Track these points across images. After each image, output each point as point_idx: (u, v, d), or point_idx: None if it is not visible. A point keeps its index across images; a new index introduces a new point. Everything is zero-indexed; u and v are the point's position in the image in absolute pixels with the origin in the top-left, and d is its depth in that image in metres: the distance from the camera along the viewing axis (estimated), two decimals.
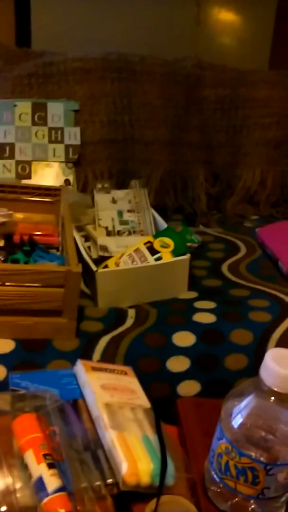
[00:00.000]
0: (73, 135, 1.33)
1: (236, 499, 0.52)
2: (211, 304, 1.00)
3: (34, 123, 1.32)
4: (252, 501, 0.52)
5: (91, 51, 1.40)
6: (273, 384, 0.48)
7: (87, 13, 1.77)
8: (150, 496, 0.54)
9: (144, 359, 0.87)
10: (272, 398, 0.49)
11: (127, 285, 0.99)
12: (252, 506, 0.52)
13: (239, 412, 0.50)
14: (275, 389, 0.48)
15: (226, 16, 1.99)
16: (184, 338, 0.91)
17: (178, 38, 1.85)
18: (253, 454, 0.50)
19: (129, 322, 0.94)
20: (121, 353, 0.87)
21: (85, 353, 0.86)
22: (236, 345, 0.90)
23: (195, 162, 1.48)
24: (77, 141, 1.33)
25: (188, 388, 0.87)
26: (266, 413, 0.50)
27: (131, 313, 0.97)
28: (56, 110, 1.32)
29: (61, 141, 1.32)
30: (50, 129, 1.32)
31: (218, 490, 0.54)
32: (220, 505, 0.54)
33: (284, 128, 1.52)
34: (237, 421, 0.50)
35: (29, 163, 1.30)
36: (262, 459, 0.50)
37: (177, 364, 0.88)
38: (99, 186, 1.26)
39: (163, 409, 0.70)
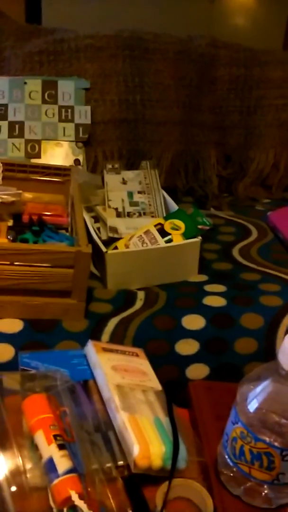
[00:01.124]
0: (83, 114, 1.31)
1: (250, 484, 0.52)
2: (221, 288, 0.99)
3: (44, 101, 1.29)
4: (266, 486, 0.51)
5: (103, 29, 1.37)
6: None
7: None
8: (161, 479, 0.53)
9: (153, 342, 0.86)
10: None
11: (137, 267, 0.98)
12: (266, 491, 0.52)
13: (255, 397, 0.49)
14: None
15: None
16: (193, 321, 0.90)
17: (191, 17, 1.81)
18: (268, 439, 0.49)
19: (138, 304, 0.94)
20: (130, 335, 0.86)
21: (94, 335, 0.85)
22: (246, 329, 0.90)
23: (207, 143, 1.46)
24: (88, 120, 1.31)
25: (197, 372, 0.87)
26: (283, 398, 0.49)
27: (141, 295, 0.96)
28: (67, 88, 1.30)
29: (71, 120, 1.30)
30: (60, 107, 1.30)
31: (231, 475, 0.53)
32: (233, 490, 0.53)
33: None
34: (253, 405, 0.49)
35: (38, 142, 1.29)
36: (277, 444, 0.49)
37: (186, 347, 0.87)
38: (109, 166, 1.24)
39: (173, 391, 0.70)
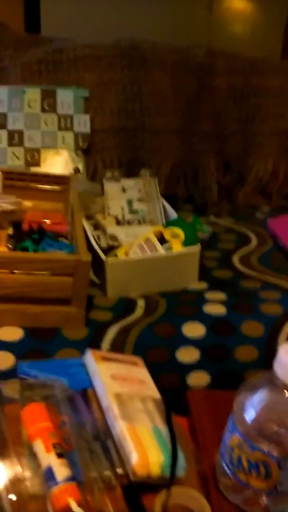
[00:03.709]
0: (82, 123, 1.32)
1: (248, 492, 0.52)
2: (221, 296, 0.99)
3: (43, 110, 1.30)
4: (263, 495, 0.51)
5: (102, 38, 1.38)
6: (287, 379, 0.47)
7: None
8: (160, 488, 0.53)
9: (154, 350, 0.86)
10: (286, 392, 0.48)
11: (137, 275, 0.99)
12: (264, 500, 0.52)
13: (252, 406, 0.50)
14: None
15: (238, 4, 1.96)
16: (194, 329, 0.90)
17: (190, 26, 1.83)
18: (265, 448, 0.49)
19: (139, 312, 0.94)
20: (130, 343, 0.86)
21: (94, 343, 0.85)
22: (247, 337, 0.90)
23: (206, 152, 1.47)
24: (87, 129, 1.32)
25: (198, 379, 0.86)
26: (279, 408, 0.49)
27: (141, 303, 0.97)
28: (66, 97, 1.31)
29: (71, 129, 1.31)
30: (60, 116, 1.31)
31: (230, 483, 0.53)
32: (232, 498, 0.53)
33: None
34: (250, 414, 0.50)
35: (38, 150, 1.29)
36: (275, 453, 0.49)
37: (187, 355, 0.87)
38: (109, 174, 1.25)
39: (173, 400, 0.70)
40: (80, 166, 1.31)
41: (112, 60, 1.36)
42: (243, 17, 1.98)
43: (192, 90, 1.44)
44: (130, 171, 1.36)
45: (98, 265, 1.01)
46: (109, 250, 1.06)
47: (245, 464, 0.50)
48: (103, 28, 1.61)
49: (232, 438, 0.51)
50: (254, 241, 1.26)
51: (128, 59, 1.36)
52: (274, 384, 0.48)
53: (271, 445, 0.49)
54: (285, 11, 1.98)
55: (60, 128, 1.31)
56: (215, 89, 1.46)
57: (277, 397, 0.48)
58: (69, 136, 1.31)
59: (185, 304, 0.96)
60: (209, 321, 0.92)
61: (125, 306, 0.95)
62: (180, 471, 0.55)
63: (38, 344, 0.84)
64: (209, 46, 1.49)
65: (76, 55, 1.34)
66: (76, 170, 1.31)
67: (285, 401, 0.48)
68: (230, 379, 0.87)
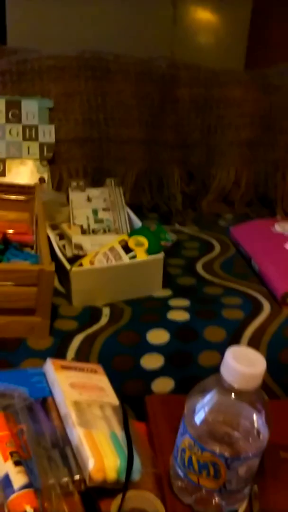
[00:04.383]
0: (47, 133, 1.33)
1: (200, 493, 0.54)
2: (185, 302, 1.01)
3: (8, 121, 1.31)
4: (215, 494, 0.53)
5: (66, 49, 1.40)
6: (233, 381, 0.49)
7: (63, 11, 1.76)
8: (117, 492, 0.54)
9: (119, 357, 0.87)
10: (233, 394, 0.50)
11: (102, 284, 0.99)
12: (216, 499, 0.53)
13: (202, 408, 0.51)
14: (235, 386, 0.49)
15: (202, 16, 2.00)
16: (158, 336, 0.91)
17: (154, 38, 1.86)
18: (216, 449, 0.51)
19: (104, 320, 0.95)
20: (95, 351, 0.87)
21: (59, 352, 0.86)
22: (209, 342, 0.91)
23: (171, 161, 1.49)
24: (52, 139, 1.33)
25: (163, 385, 0.88)
26: (227, 409, 0.51)
27: (106, 311, 0.97)
28: (30, 108, 1.32)
29: (36, 139, 1.32)
30: (24, 126, 1.32)
31: (183, 485, 0.55)
32: (185, 499, 0.55)
33: (257, 128, 1.53)
34: (199, 417, 0.51)
35: (3, 160, 1.30)
36: (226, 454, 0.51)
37: (151, 361, 0.88)
38: (74, 184, 1.26)
39: (135, 405, 0.71)
40: (45, 176, 1.32)
41: (76, 71, 1.37)
42: (207, 29, 2.02)
43: (155, 101, 1.46)
44: (96, 181, 1.37)
45: (63, 274, 1.01)
46: (75, 259, 1.06)
47: (195, 465, 0.52)
48: (69, 39, 1.63)
49: (183, 440, 0.53)
50: (217, 248, 1.28)
51: (92, 70, 1.38)
52: (221, 386, 0.50)
53: (220, 446, 0.51)
54: (247, 22, 2.02)
55: (25, 138, 1.31)
56: (178, 100, 1.48)
57: (225, 399, 0.50)
58: (34, 146, 1.32)
59: (150, 312, 0.97)
60: (173, 328, 0.93)
61: (90, 314, 0.96)
62: (136, 475, 0.56)
63: (2, 355, 0.84)
64: (172, 57, 1.51)
65: (40, 66, 1.35)
66: (42, 180, 1.31)
67: (232, 403, 0.50)
68: (194, 384, 0.88)
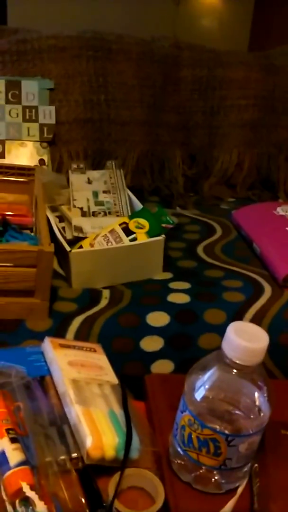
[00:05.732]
0: (48, 114, 1.31)
1: (200, 471, 0.53)
2: (185, 285, 1.00)
3: (7, 101, 1.29)
4: (215, 472, 0.52)
5: (67, 29, 1.38)
6: (235, 357, 0.48)
7: None
8: (115, 470, 0.54)
9: (118, 339, 0.87)
10: (234, 370, 0.49)
11: (102, 266, 0.99)
12: (216, 477, 0.53)
13: (202, 385, 0.51)
14: (237, 362, 0.48)
15: None
16: (158, 318, 0.91)
17: (157, 18, 1.83)
18: (216, 427, 0.50)
19: (103, 302, 0.94)
20: (95, 333, 0.87)
21: (58, 333, 0.85)
22: (210, 324, 0.91)
23: (172, 143, 1.47)
24: (52, 120, 1.31)
25: (162, 368, 0.87)
26: (228, 386, 0.50)
27: (106, 293, 0.97)
28: (31, 89, 1.30)
29: (36, 120, 1.30)
30: (24, 107, 1.30)
31: (182, 463, 0.54)
32: (184, 477, 0.54)
33: (260, 110, 1.51)
34: (200, 393, 0.51)
35: (2, 142, 1.28)
36: (226, 431, 0.50)
37: (151, 343, 0.88)
38: (74, 166, 1.25)
39: (134, 385, 0.70)
40: (45, 158, 1.30)
41: (76, 51, 1.35)
42: (211, 10, 1.99)
43: (157, 81, 1.44)
44: (96, 163, 1.36)
45: (62, 256, 1.01)
46: (75, 241, 1.06)
47: (195, 442, 0.51)
48: (70, 19, 1.60)
49: (183, 417, 0.52)
50: (218, 231, 1.27)
51: (93, 50, 1.36)
52: (223, 363, 0.49)
53: (221, 423, 0.50)
54: (251, 4, 1.99)
55: (25, 120, 1.30)
56: (181, 81, 1.47)
57: (226, 376, 0.49)
58: (34, 128, 1.30)
59: (150, 294, 0.97)
60: (173, 310, 0.93)
61: (89, 297, 0.96)
62: (134, 453, 0.55)
63: (1, 336, 0.84)
64: (174, 37, 1.49)
65: (40, 46, 1.33)
66: (41, 162, 1.30)
67: (233, 379, 0.49)
68: None
